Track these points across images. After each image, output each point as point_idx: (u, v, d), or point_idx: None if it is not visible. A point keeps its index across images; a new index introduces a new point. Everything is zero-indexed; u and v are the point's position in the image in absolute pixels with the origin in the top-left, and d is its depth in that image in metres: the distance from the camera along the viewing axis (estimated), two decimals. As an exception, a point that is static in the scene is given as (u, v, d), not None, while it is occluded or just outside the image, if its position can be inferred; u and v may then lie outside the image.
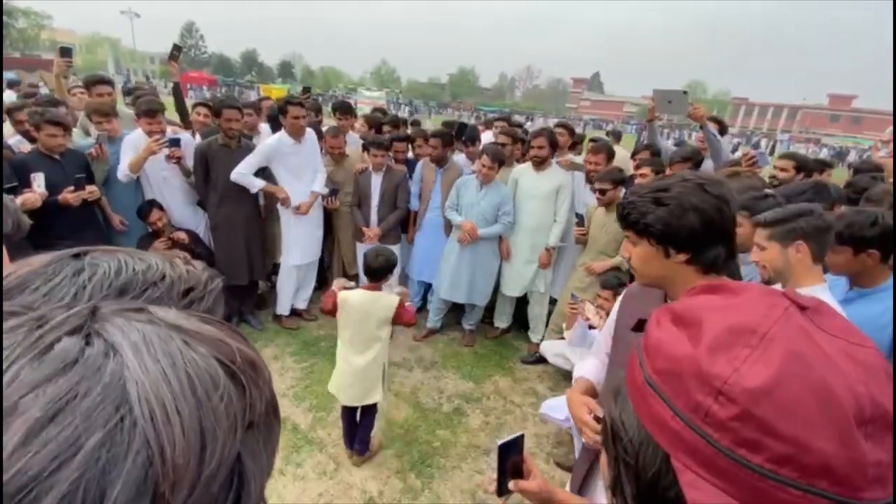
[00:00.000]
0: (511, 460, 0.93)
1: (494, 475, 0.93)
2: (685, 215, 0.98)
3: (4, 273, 0.32)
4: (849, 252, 1.54)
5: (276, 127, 3.69)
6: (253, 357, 0.29)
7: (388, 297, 2.34)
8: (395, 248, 3.84)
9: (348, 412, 2.49)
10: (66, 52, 3.56)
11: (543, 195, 3.45)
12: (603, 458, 0.48)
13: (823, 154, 25.43)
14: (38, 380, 0.21)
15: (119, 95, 4.53)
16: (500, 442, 0.92)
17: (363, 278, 3.76)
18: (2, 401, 0.20)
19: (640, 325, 0.53)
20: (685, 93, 3.20)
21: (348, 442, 2.53)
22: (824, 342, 0.36)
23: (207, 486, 0.23)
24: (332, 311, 2.33)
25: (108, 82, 3.67)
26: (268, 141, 3.43)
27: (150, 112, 3.23)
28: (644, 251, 1.06)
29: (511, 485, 0.93)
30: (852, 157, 22.41)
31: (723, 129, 3.56)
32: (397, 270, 3.95)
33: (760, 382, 0.33)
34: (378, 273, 2.34)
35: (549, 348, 3.46)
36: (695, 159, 3.10)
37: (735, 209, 1.03)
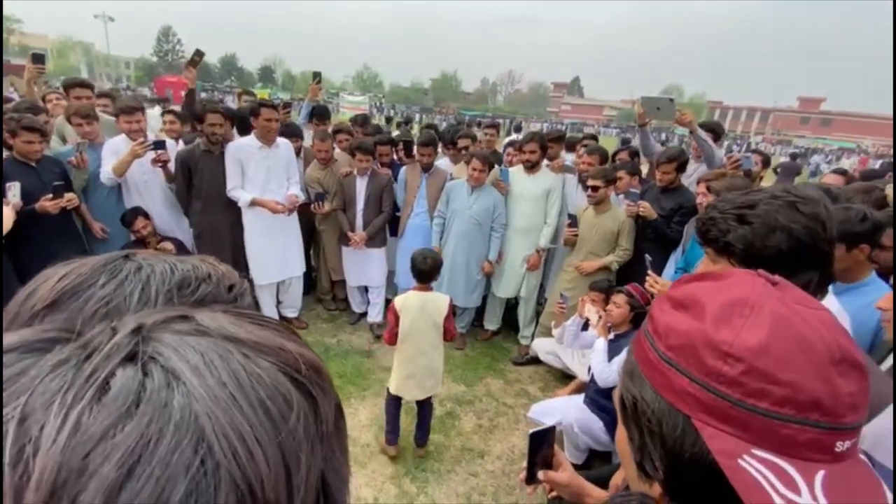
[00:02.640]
0: (542, 451, 0.94)
1: (525, 463, 0.94)
2: (771, 235, 0.90)
3: (61, 272, 0.33)
4: (842, 248, 1.59)
5: (243, 132, 3.59)
6: (315, 361, 0.27)
7: (440, 296, 2.49)
8: (381, 251, 3.84)
9: (396, 408, 2.56)
10: (38, 58, 3.46)
11: (534, 197, 3.49)
12: (620, 434, 0.54)
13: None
14: (103, 429, 0.18)
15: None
16: (531, 431, 0.93)
17: (369, 281, 3.80)
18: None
19: (638, 320, 0.62)
20: (671, 100, 3.30)
21: (392, 437, 2.58)
22: (795, 306, 0.44)
23: None
24: (394, 337, 2.44)
25: (89, 86, 3.59)
26: (231, 145, 3.28)
27: (128, 109, 3.16)
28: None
29: (540, 475, 0.93)
30: (816, 158, 23.27)
31: (717, 135, 3.65)
32: (385, 274, 3.93)
33: (758, 341, 0.41)
34: (426, 275, 2.43)
35: (541, 346, 3.49)
36: (679, 159, 3.17)
37: (834, 230, 0.92)
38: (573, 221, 3.34)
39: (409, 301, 2.42)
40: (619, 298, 2.61)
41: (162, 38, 63.22)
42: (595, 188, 3.18)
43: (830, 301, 1.41)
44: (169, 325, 0.24)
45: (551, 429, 0.95)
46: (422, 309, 2.41)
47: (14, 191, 2.58)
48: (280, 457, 0.21)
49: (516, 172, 3.60)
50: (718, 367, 0.41)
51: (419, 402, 2.57)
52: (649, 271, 1.86)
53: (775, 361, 0.40)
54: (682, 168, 3.20)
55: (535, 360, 3.59)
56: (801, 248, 0.90)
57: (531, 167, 3.49)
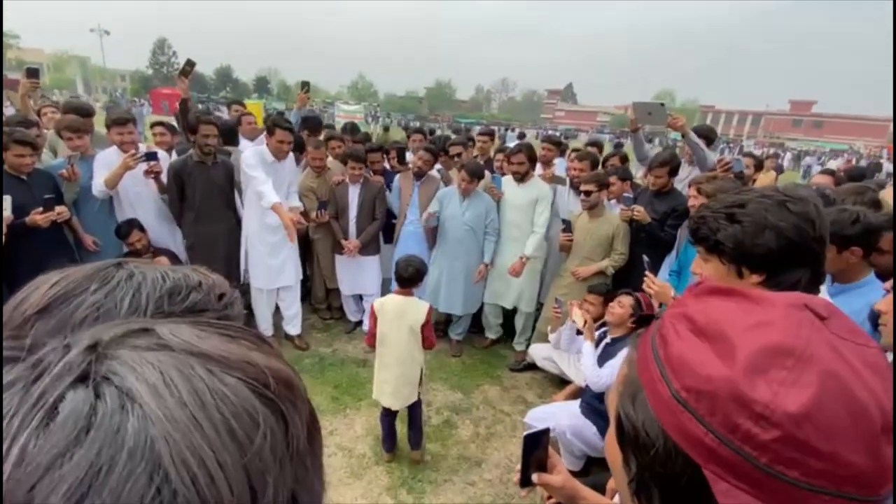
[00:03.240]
0: (536, 453, 0.92)
1: (519, 466, 0.92)
2: (760, 234, 0.91)
3: (54, 279, 0.33)
4: (833, 250, 1.58)
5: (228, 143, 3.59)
6: (286, 374, 0.26)
7: (420, 302, 2.48)
8: (376, 259, 3.82)
9: (389, 417, 2.56)
10: (32, 72, 3.47)
11: (523, 206, 3.49)
12: (611, 443, 0.47)
13: (789, 157, 26.50)
14: (49, 459, 0.17)
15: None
16: (525, 433, 0.91)
17: (363, 289, 3.78)
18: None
19: (643, 320, 0.53)
20: (662, 105, 3.34)
21: (388, 445, 2.60)
22: (847, 352, 0.36)
23: None
24: (374, 339, 2.47)
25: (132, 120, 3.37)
26: (249, 150, 3.25)
27: (120, 121, 3.16)
28: (715, 270, 0.99)
29: (534, 477, 0.91)
30: (808, 160, 23.52)
31: (710, 141, 3.67)
32: (380, 282, 3.92)
33: (801, 406, 0.34)
34: (408, 281, 2.45)
35: (538, 352, 3.47)
36: (671, 163, 3.18)
37: (824, 229, 0.92)
38: (567, 227, 3.35)
39: (387, 305, 2.44)
40: (626, 300, 2.58)
41: (157, 51, 63.53)
42: (588, 192, 3.19)
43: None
44: (127, 341, 0.22)
45: (546, 431, 0.93)
46: (399, 314, 2.42)
47: (5, 204, 2.57)
48: (245, 480, 0.20)
49: (507, 182, 3.62)
50: (748, 428, 0.35)
51: (408, 407, 2.56)
52: (647, 272, 1.85)
53: (818, 431, 0.33)
54: (674, 172, 3.22)
55: (533, 367, 3.57)
56: (790, 247, 0.90)
57: (520, 178, 3.51)
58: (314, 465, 0.26)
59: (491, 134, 4.87)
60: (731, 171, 3.05)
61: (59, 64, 57.50)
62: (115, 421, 0.18)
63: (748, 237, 0.92)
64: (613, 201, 3.45)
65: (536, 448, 0.92)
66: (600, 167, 3.88)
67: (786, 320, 0.38)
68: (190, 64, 3.96)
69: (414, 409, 2.58)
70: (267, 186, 3.08)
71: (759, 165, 4.68)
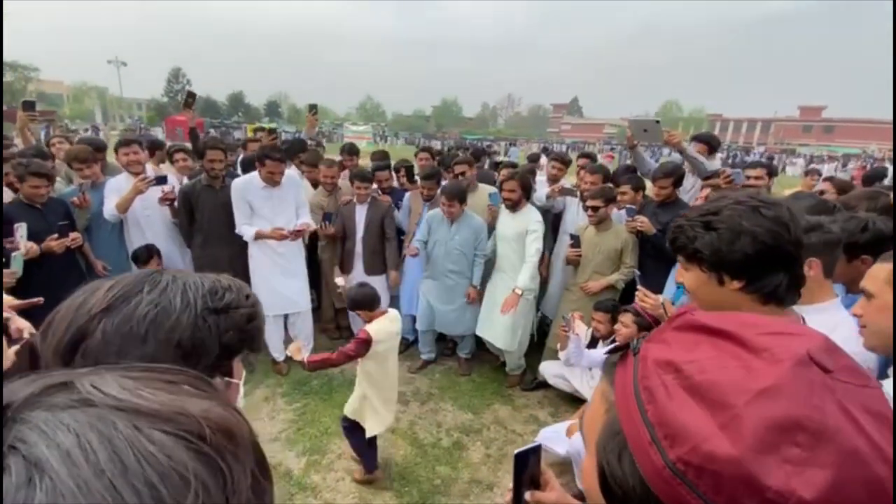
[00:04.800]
0: (528, 471, 0.89)
1: (510, 486, 0.88)
2: (736, 240, 0.92)
3: (108, 284, 0.40)
4: (843, 260, 1.53)
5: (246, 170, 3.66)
6: (226, 423, 0.24)
7: (396, 315, 2.46)
8: (380, 279, 3.78)
9: (357, 429, 2.44)
10: (29, 105, 3.62)
11: (513, 237, 3.36)
12: (588, 474, 0.44)
13: (800, 163, 26.22)
14: None
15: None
16: (516, 451, 0.88)
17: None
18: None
19: (618, 350, 0.47)
20: (658, 122, 3.33)
21: (371, 464, 2.51)
22: (856, 410, 0.33)
23: None
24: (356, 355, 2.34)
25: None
26: (235, 183, 3.31)
27: (123, 142, 3.28)
28: (696, 278, 0.99)
29: (527, 496, 0.88)
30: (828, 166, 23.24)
31: (713, 147, 3.64)
32: (388, 301, 3.89)
33: (818, 492, 0.31)
34: (373, 302, 2.36)
35: (549, 369, 3.40)
36: (676, 174, 3.15)
37: (799, 232, 0.93)
38: (575, 241, 3.31)
39: (382, 328, 2.32)
40: (626, 318, 2.54)
41: (172, 79, 65.46)
42: (595, 208, 3.15)
43: (840, 312, 1.35)
44: (43, 400, 0.21)
45: (537, 448, 0.90)
46: (391, 333, 2.39)
47: (21, 231, 2.65)
48: None
49: (501, 212, 3.49)
50: None
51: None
52: (638, 286, 1.83)
53: None
54: (678, 182, 3.18)
55: (544, 385, 3.50)
56: (766, 251, 0.91)
57: (512, 206, 3.36)
58: None
59: (469, 162, 3.90)
60: (733, 183, 3.01)
61: (79, 95, 59.61)
62: (20, 496, 0.17)
63: (724, 244, 0.93)
64: (622, 211, 3.40)
65: (528, 466, 0.89)
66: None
67: (794, 385, 0.34)
68: (191, 95, 4.15)
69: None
70: (244, 226, 3.25)
71: (771, 173, 4.59)
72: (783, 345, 0.37)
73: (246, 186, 3.28)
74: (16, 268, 2.44)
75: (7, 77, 41.93)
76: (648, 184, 3.48)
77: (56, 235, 2.77)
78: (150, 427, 0.20)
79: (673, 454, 0.35)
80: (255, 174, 3.32)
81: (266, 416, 3.11)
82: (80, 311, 0.47)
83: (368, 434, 2.40)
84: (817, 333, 0.39)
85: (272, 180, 3.25)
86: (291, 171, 3.64)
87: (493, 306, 3.41)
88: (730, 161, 23.90)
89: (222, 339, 0.51)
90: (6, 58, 42.04)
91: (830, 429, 0.32)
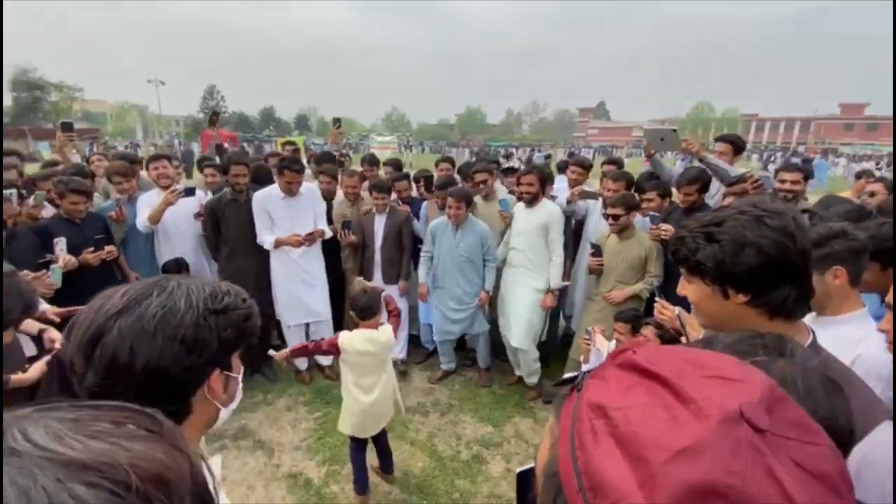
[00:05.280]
0: (533, 490, 0.86)
1: None
2: (740, 252, 0.88)
3: (121, 290, 0.50)
4: (876, 267, 1.44)
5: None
6: (157, 471, 0.23)
7: (385, 331, 2.41)
8: (394, 288, 3.78)
9: (360, 451, 2.44)
10: (67, 126, 3.82)
11: (531, 231, 3.31)
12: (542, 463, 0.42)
13: (842, 162, 24.92)
14: None
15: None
16: (518, 470, 0.85)
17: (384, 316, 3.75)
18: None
19: (566, 383, 0.44)
20: (674, 130, 3.24)
21: (361, 487, 2.44)
22: (788, 475, 0.31)
23: None
24: (329, 352, 2.43)
25: (167, 158, 3.75)
26: (256, 194, 3.42)
27: (153, 157, 3.52)
28: (699, 291, 0.96)
29: None
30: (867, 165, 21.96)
31: (739, 148, 3.49)
32: (406, 309, 3.90)
33: None
34: (366, 311, 2.36)
35: (571, 383, 3.31)
36: (702, 180, 3.04)
37: (806, 242, 0.89)
38: (597, 251, 3.22)
39: (356, 340, 2.33)
40: (648, 331, 2.45)
41: (207, 96, 68.41)
42: (616, 216, 3.07)
43: (867, 323, 1.26)
44: None
45: None
46: (367, 346, 2.33)
47: (61, 245, 2.81)
48: None
49: (517, 208, 3.47)
50: None
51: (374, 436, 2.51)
52: (657, 298, 1.76)
53: None
54: (704, 189, 3.07)
55: (567, 396, 3.41)
56: (772, 264, 0.88)
57: (530, 201, 3.31)
58: None
59: (490, 171, 3.81)
60: (762, 189, 2.87)
61: (121, 113, 63.02)
62: None
63: (728, 256, 0.89)
64: (647, 218, 3.29)
65: (532, 484, 0.86)
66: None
67: (717, 445, 0.31)
68: (215, 114, 4.52)
69: (381, 435, 2.53)
70: (265, 235, 3.39)
71: (807, 176, 4.35)
72: (716, 395, 0.34)
73: (266, 197, 3.41)
74: (54, 280, 2.57)
75: (53, 97, 44.69)
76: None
77: (92, 248, 2.93)
78: (72, 479, 0.20)
79: None
80: (275, 186, 3.44)
81: (288, 425, 3.16)
82: (99, 312, 0.55)
83: (339, 428, 2.46)
84: (762, 381, 0.35)
85: (290, 190, 3.37)
86: (312, 184, 3.73)
87: (506, 303, 3.44)
88: (771, 162, 22.92)
89: (221, 336, 0.60)
90: (52, 79, 44.87)
91: (750, 496, 0.29)
